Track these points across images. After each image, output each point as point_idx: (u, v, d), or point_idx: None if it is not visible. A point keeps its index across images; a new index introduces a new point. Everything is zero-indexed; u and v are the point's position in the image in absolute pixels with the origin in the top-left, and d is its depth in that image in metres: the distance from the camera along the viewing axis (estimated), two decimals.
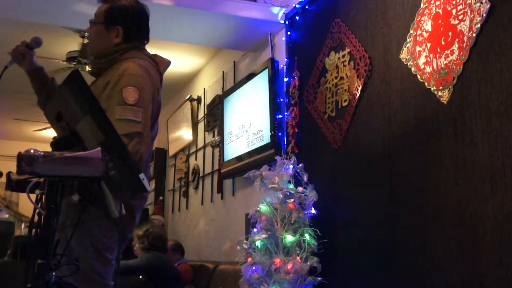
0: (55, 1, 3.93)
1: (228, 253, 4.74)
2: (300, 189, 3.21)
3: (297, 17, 3.95)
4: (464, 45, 2.37)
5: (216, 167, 5.24)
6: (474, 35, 2.31)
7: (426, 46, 2.62)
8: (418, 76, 2.63)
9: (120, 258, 2.32)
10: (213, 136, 5.37)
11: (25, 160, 1.36)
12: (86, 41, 5.28)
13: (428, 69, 2.57)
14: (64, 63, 5.32)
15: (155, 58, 2.28)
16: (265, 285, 3.00)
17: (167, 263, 4.31)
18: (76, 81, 1.62)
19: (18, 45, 2.24)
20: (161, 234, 4.50)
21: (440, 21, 2.54)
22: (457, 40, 2.42)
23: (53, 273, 1.45)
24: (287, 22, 4.07)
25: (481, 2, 2.29)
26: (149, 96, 2.12)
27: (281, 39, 4.15)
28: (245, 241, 3.20)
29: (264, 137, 4.06)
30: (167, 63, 2.33)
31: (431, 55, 2.57)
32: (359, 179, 3.03)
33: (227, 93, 4.90)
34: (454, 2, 2.47)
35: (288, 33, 4.03)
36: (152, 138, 2.25)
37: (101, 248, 2.03)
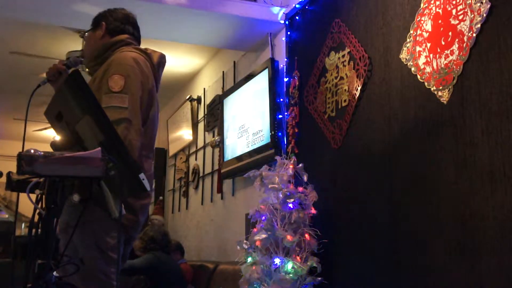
0: (55, 1, 3.93)
1: None
2: (300, 189, 3.21)
3: (297, 17, 3.95)
4: (464, 45, 2.37)
5: (216, 167, 5.25)
6: (474, 35, 2.31)
7: (426, 46, 2.62)
8: (418, 76, 2.63)
9: (126, 257, 2.31)
10: (213, 136, 5.37)
11: (25, 160, 1.36)
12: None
13: (428, 69, 2.57)
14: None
15: (146, 51, 2.29)
16: (265, 285, 3.00)
17: (167, 263, 4.31)
18: (76, 81, 1.62)
19: (55, 63, 2.28)
20: (155, 237, 4.45)
21: (440, 21, 2.54)
22: (457, 40, 2.42)
23: (54, 273, 1.45)
24: (287, 22, 4.07)
25: (481, 2, 2.29)
26: (137, 84, 2.10)
27: (281, 39, 4.15)
28: (245, 241, 3.20)
29: (264, 137, 4.06)
30: (160, 55, 2.34)
31: (431, 55, 2.57)
32: (359, 179, 3.03)
33: (227, 93, 4.90)
34: (454, 2, 2.47)
35: (288, 33, 4.03)
36: (150, 124, 2.22)
37: (104, 248, 2.03)
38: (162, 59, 2.34)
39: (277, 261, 2.99)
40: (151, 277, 4.18)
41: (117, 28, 2.32)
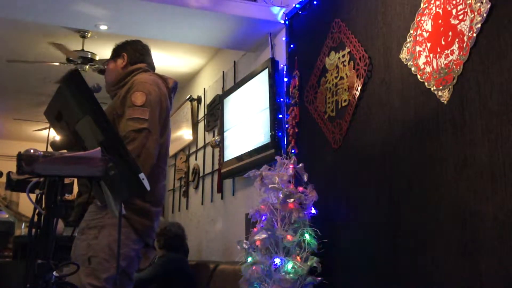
0: (55, 1, 3.93)
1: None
2: (300, 189, 3.21)
3: (297, 17, 3.95)
4: (464, 45, 2.37)
5: (216, 167, 5.24)
6: (474, 35, 2.31)
7: (426, 46, 2.61)
8: (418, 76, 2.63)
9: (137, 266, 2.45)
10: (213, 136, 5.37)
11: (25, 160, 1.36)
12: (86, 40, 5.29)
13: (428, 69, 2.57)
14: (64, 63, 5.32)
15: (162, 76, 2.59)
16: (265, 285, 3.00)
17: (182, 265, 4.30)
18: (76, 81, 1.62)
19: None
20: (179, 234, 4.48)
21: (440, 21, 2.54)
22: (457, 40, 2.42)
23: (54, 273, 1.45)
24: (287, 22, 4.07)
25: (482, 2, 2.29)
26: (157, 101, 2.39)
27: (281, 39, 4.15)
28: (245, 241, 3.20)
29: (264, 137, 4.06)
30: (174, 81, 2.62)
31: (431, 55, 2.57)
32: (359, 179, 3.03)
33: (227, 93, 4.89)
34: (454, 2, 2.46)
35: (288, 32, 4.02)
36: (165, 140, 2.48)
37: (116, 252, 2.17)
38: (175, 85, 2.62)
39: (277, 261, 2.99)
40: (165, 284, 4.16)
41: (137, 58, 2.61)
